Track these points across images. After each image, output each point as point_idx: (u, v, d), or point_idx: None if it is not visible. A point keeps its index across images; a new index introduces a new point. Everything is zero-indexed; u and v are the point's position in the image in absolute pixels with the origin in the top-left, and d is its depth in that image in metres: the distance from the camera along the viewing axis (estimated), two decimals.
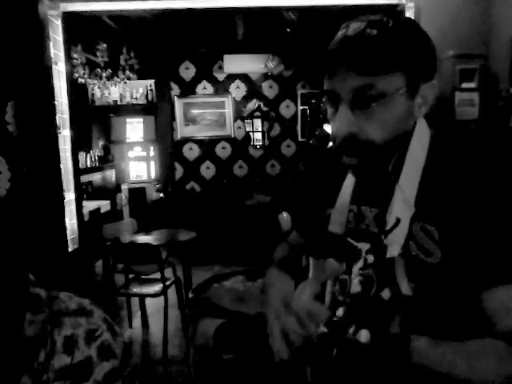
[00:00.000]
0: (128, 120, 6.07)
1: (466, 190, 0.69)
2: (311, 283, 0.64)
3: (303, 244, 0.96)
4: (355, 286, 0.57)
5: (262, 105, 5.80)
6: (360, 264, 0.58)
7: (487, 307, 0.65)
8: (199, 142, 5.89)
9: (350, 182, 0.82)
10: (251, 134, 5.88)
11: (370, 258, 0.58)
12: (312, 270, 0.68)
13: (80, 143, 3.92)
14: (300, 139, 5.87)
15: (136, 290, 3.11)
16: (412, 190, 0.72)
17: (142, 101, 5.79)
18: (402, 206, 0.71)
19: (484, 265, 0.66)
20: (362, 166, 0.74)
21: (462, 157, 0.74)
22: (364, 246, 0.73)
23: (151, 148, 6.01)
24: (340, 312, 0.64)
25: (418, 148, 0.75)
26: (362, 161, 0.73)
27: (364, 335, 0.56)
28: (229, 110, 5.82)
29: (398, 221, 0.68)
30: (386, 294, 0.57)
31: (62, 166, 2.74)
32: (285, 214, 3.08)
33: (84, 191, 4.61)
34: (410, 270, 0.64)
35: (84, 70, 4.46)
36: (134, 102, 5.79)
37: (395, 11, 2.79)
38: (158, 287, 3.02)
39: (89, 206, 4.31)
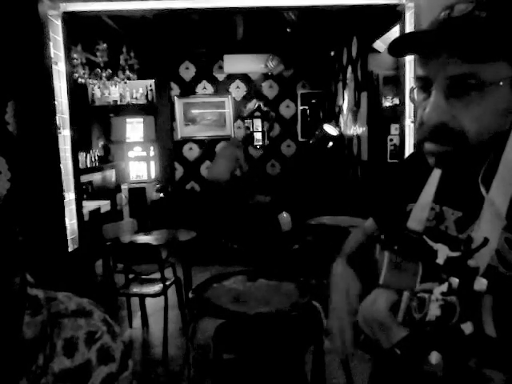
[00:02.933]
0: (128, 120, 6.07)
1: None
2: (388, 293, 0.60)
3: (377, 235, 0.92)
4: (434, 309, 0.53)
5: (261, 105, 5.80)
6: (444, 288, 0.54)
7: None
8: (199, 142, 5.89)
9: (435, 178, 0.76)
10: (251, 134, 5.88)
11: (455, 282, 0.55)
12: (385, 271, 0.62)
13: (80, 143, 3.92)
14: (300, 139, 5.88)
15: (136, 289, 3.11)
16: (504, 201, 0.64)
17: (142, 101, 5.79)
18: (491, 220, 0.64)
19: None
20: (449, 157, 0.67)
21: None
22: (441, 248, 0.67)
23: (151, 148, 6.01)
24: (413, 333, 0.59)
25: None
26: (450, 151, 0.66)
27: (435, 357, 0.52)
28: (229, 110, 5.82)
29: (486, 241, 0.61)
30: (467, 327, 0.52)
31: (61, 166, 2.74)
32: (285, 214, 3.08)
33: (84, 191, 4.61)
34: (497, 309, 0.57)
35: (84, 70, 4.45)
36: (134, 102, 5.79)
37: (394, 12, 2.78)
38: (158, 287, 3.02)
39: (89, 206, 4.31)
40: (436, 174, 0.75)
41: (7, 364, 0.64)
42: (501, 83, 0.63)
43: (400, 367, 0.58)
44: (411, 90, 0.73)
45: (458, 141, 0.65)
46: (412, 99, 0.73)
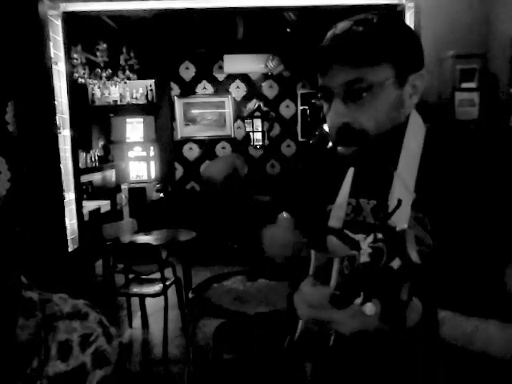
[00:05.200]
0: (128, 120, 6.07)
1: (459, 182, 0.72)
2: (312, 268, 0.65)
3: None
4: (364, 257, 0.57)
5: (261, 105, 5.80)
6: (370, 239, 0.58)
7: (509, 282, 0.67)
8: (199, 142, 5.89)
9: (349, 177, 0.83)
10: (251, 134, 5.88)
11: (379, 235, 0.58)
12: (313, 261, 0.68)
13: (80, 143, 3.92)
14: (300, 139, 5.88)
15: (136, 289, 3.11)
16: (411, 178, 0.73)
17: (142, 101, 5.79)
18: (402, 191, 0.73)
19: (492, 246, 0.68)
20: (357, 155, 0.76)
21: (455, 149, 0.77)
22: (361, 238, 0.74)
23: (151, 148, 6.01)
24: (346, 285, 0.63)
25: (414, 141, 0.77)
26: (357, 150, 0.75)
27: (369, 308, 0.55)
28: (229, 110, 5.82)
29: (399, 202, 0.69)
30: (395, 263, 0.56)
31: (61, 166, 2.74)
32: (285, 214, 3.08)
33: (84, 191, 4.61)
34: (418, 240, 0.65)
35: (84, 70, 4.45)
36: (134, 101, 5.79)
37: (393, 11, 2.79)
38: (158, 287, 3.02)
39: (89, 206, 4.31)
40: (350, 172, 0.82)
41: (2, 367, 0.63)
42: (388, 82, 0.73)
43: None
44: (317, 99, 0.80)
45: (362, 139, 0.74)
46: (319, 106, 0.81)
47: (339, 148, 0.77)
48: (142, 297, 3.18)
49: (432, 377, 0.70)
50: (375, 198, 0.79)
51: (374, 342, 0.69)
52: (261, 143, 5.89)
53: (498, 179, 0.71)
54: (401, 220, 0.69)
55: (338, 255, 0.62)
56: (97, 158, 5.33)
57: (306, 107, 5.80)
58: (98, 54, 4.42)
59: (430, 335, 0.62)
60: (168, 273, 3.12)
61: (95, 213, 4.47)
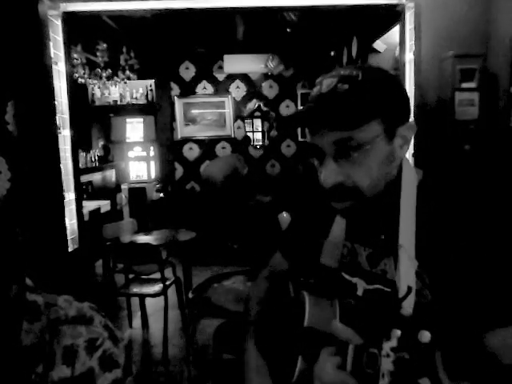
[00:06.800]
0: (128, 120, 6.07)
1: (453, 236, 0.71)
2: (329, 351, 0.63)
3: (288, 271, 0.95)
4: (387, 364, 0.54)
5: (261, 105, 5.80)
6: (393, 343, 0.56)
7: (489, 345, 0.66)
8: (199, 142, 5.89)
9: (341, 219, 0.83)
10: (251, 134, 5.88)
11: (397, 333, 0.56)
12: (308, 312, 0.67)
13: (80, 143, 3.92)
14: (300, 139, 5.88)
15: (136, 289, 3.11)
16: (411, 244, 0.72)
17: (142, 101, 5.79)
18: (407, 263, 0.72)
19: (480, 306, 0.68)
20: (351, 212, 0.75)
21: (447, 203, 0.76)
22: (358, 282, 0.76)
23: (151, 148, 6.01)
24: None
25: (409, 197, 0.76)
26: (351, 207, 0.74)
27: None
28: (229, 110, 5.82)
29: (409, 289, 0.70)
30: (425, 382, 0.53)
31: (61, 166, 2.74)
32: (285, 214, 3.08)
33: (84, 191, 4.61)
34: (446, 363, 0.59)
35: (84, 70, 4.46)
36: (134, 101, 5.79)
37: (393, 11, 2.78)
38: (157, 287, 3.02)
39: (89, 206, 4.31)
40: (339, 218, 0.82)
41: (6, 372, 0.62)
42: (378, 138, 0.71)
43: None
44: (309, 156, 0.80)
45: (355, 196, 0.73)
46: (312, 163, 0.80)
47: (332, 203, 0.76)
48: (142, 297, 3.18)
49: None
50: (371, 247, 0.79)
51: None
52: (261, 143, 5.89)
53: (492, 232, 0.71)
54: (408, 306, 0.69)
55: (328, 323, 0.62)
56: (97, 157, 5.33)
57: None
58: (98, 53, 4.42)
59: None
60: (168, 273, 3.12)
61: (95, 213, 4.47)
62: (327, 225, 0.85)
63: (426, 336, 0.55)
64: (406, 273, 0.72)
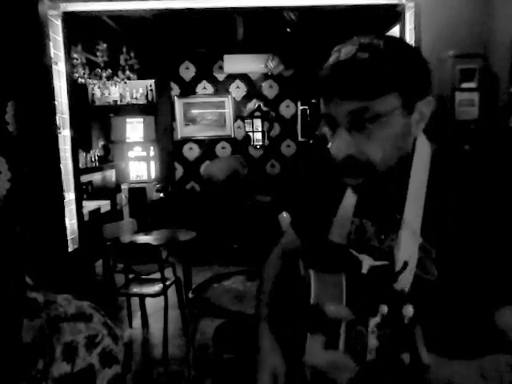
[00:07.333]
0: (128, 120, 6.07)
1: (465, 212, 0.69)
2: (318, 337, 0.62)
3: (299, 249, 0.96)
4: (373, 340, 0.56)
5: (261, 105, 5.80)
6: (377, 319, 0.57)
7: (500, 322, 0.66)
8: (199, 142, 5.89)
9: (351, 195, 0.82)
10: (251, 134, 5.88)
11: (384, 310, 0.56)
12: (314, 289, 0.66)
13: (80, 143, 3.92)
14: (300, 139, 5.88)
15: (136, 289, 3.11)
16: (417, 220, 0.71)
17: (142, 101, 5.79)
18: (408, 238, 0.71)
19: (490, 284, 0.67)
20: (363, 187, 0.74)
21: (460, 176, 0.74)
22: (365, 258, 0.74)
23: (151, 148, 6.01)
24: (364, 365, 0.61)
25: (420, 172, 0.74)
26: (362, 182, 0.73)
27: None
28: (229, 110, 5.82)
29: (405, 264, 0.69)
30: (406, 357, 0.55)
31: (62, 166, 2.74)
32: (285, 214, 3.08)
33: (84, 191, 4.61)
34: (427, 337, 0.60)
35: (84, 70, 4.46)
36: (134, 102, 5.79)
37: (393, 11, 2.79)
38: (157, 287, 3.02)
39: (89, 206, 4.31)
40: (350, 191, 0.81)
41: (6, 368, 0.63)
42: (396, 112, 0.69)
43: None
44: (321, 125, 0.78)
45: (368, 171, 0.71)
46: (323, 133, 0.79)
47: (345, 179, 0.74)
48: (142, 297, 3.18)
49: None
50: (379, 222, 0.78)
51: None
52: (261, 143, 5.89)
53: (498, 203, 0.69)
54: (405, 281, 0.68)
55: (335, 298, 0.62)
56: (97, 157, 5.33)
57: (306, 107, 5.80)
58: (98, 53, 4.42)
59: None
60: (168, 273, 3.12)
61: (95, 213, 4.47)
62: (337, 201, 0.84)
63: (409, 311, 0.56)
64: (406, 247, 0.71)
